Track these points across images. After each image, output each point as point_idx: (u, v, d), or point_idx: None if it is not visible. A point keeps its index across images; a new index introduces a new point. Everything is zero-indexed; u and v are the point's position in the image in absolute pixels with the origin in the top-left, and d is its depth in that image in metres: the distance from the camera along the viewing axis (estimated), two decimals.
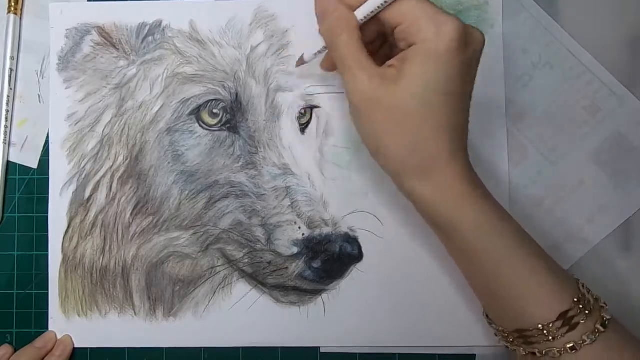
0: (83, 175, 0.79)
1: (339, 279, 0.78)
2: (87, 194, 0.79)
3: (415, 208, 0.63)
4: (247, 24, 0.79)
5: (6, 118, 0.81)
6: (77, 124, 0.80)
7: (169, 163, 0.78)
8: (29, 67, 0.82)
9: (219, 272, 0.79)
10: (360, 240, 0.78)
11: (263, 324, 0.78)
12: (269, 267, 0.77)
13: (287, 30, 0.79)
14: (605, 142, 0.78)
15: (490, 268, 0.60)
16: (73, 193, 0.79)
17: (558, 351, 0.58)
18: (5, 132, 0.81)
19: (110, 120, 0.79)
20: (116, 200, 0.79)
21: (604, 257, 0.77)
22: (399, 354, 0.78)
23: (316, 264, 0.76)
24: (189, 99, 0.78)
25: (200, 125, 0.78)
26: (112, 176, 0.79)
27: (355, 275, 0.78)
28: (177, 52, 0.79)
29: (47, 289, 0.79)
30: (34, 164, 0.81)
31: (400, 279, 0.78)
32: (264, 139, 0.78)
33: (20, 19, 0.83)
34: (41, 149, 0.81)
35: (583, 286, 0.61)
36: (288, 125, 0.78)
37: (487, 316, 0.66)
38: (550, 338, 0.58)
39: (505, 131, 0.78)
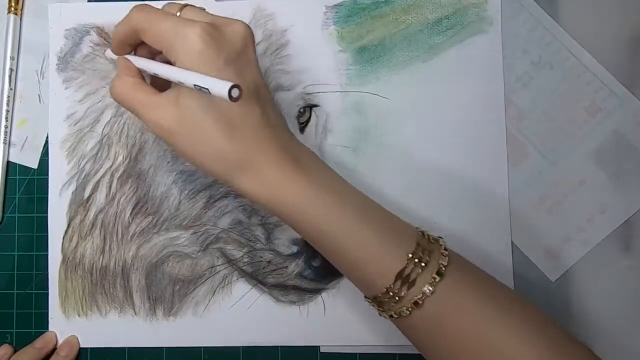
0: (82, 175, 0.77)
1: (338, 278, 0.76)
2: (87, 193, 0.77)
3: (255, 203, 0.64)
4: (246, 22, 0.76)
5: (6, 118, 0.79)
6: (76, 124, 0.78)
7: (168, 162, 0.76)
8: (29, 67, 0.80)
9: (219, 271, 0.77)
10: None
11: (263, 323, 0.76)
12: (269, 266, 0.75)
13: (285, 30, 0.77)
14: (605, 142, 0.76)
15: (329, 244, 0.60)
16: (72, 193, 0.77)
17: (407, 309, 0.57)
18: (5, 132, 0.79)
19: (109, 120, 0.77)
20: (116, 200, 0.77)
21: (604, 257, 0.75)
22: (399, 354, 0.76)
23: (316, 263, 0.75)
24: None
25: None
26: (112, 176, 0.77)
27: None
28: None
29: (47, 289, 0.77)
30: (34, 164, 0.79)
31: None
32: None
33: (20, 19, 0.81)
34: (41, 149, 0.79)
35: (422, 235, 0.60)
36: (287, 124, 0.76)
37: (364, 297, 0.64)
38: (397, 298, 0.57)
39: (504, 130, 0.76)
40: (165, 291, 0.76)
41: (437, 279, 0.57)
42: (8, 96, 0.79)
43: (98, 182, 0.77)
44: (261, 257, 0.75)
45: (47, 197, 0.78)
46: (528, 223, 0.75)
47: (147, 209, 0.76)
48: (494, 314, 0.57)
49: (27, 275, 0.78)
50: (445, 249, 0.59)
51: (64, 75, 0.78)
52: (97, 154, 0.77)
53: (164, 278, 0.76)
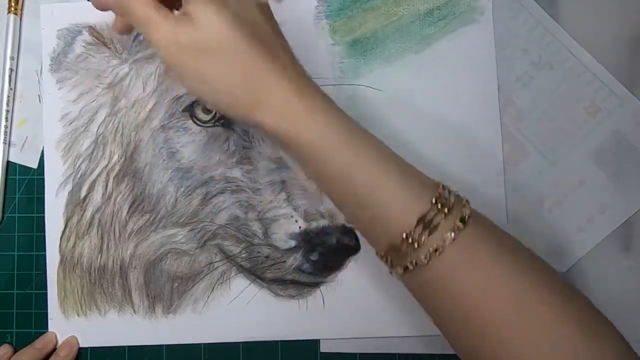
0: (78, 175, 0.77)
1: (336, 271, 0.75)
2: (83, 193, 0.76)
3: (272, 142, 0.62)
4: None
5: (6, 118, 0.79)
6: (71, 124, 0.77)
7: (164, 160, 0.76)
8: (29, 67, 0.80)
9: (217, 267, 0.76)
10: None
11: (262, 318, 0.76)
12: (267, 261, 0.75)
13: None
14: (605, 142, 0.76)
15: (347, 183, 0.57)
16: (69, 193, 0.77)
17: (425, 257, 0.54)
18: (5, 132, 0.79)
19: (104, 120, 0.77)
20: (112, 199, 0.76)
21: (604, 257, 0.74)
22: (399, 354, 0.76)
23: (314, 257, 0.74)
24: (182, 96, 0.76)
25: (194, 122, 0.75)
26: (108, 175, 0.76)
27: (353, 266, 0.76)
28: None
29: (47, 289, 0.77)
30: (34, 164, 0.79)
31: None
32: (258, 133, 0.75)
33: (20, 19, 0.80)
34: (41, 149, 0.78)
35: (444, 187, 0.57)
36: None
37: (377, 252, 0.60)
38: (416, 245, 0.54)
39: (498, 117, 0.76)
40: (164, 289, 0.76)
41: (461, 226, 0.54)
42: (8, 96, 0.78)
43: (94, 181, 0.76)
44: (259, 252, 0.75)
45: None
46: (528, 223, 0.74)
47: (143, 207, 0.76)
48: (518, 273, 0.54)
49: (27, 275, 0.77)
50: (467, 201, 0.57)
51: (57, 76, 0.77)
52: (92, 153, 0.76)
53: (162, 276, 0.76)
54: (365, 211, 0.57)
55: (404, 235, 0.54)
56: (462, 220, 0.54)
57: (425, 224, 0.54)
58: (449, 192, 0.57)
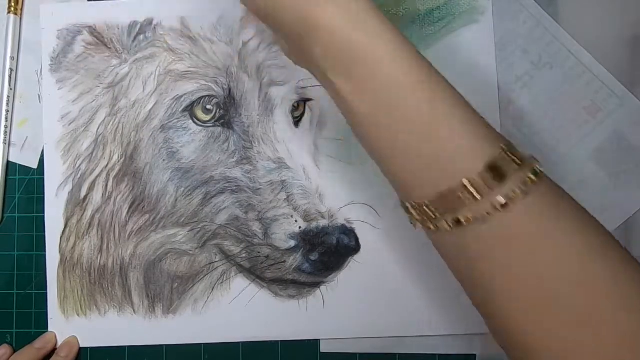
0: (78, 175, 0.75)
1: (337, 271, 0.74)
2: (83, 193, 0.75)
3: (328, 58, 0.49)
4: (238, 19, 0.76)
5: (6, 118, 0.77)
6: (70, 124, 0.76)
7: (164, 160, 0.75)
8: (29, 67, 0.79)
9: (217, 267, 0.75)
10: (357, 232, 0.74)
11: (262, 319, 0.75)
12: (267, 261, 0.74)
13: None
14: (605, 142, 0.75)
15: (406, 110, 0.47)
16: (69, 193, 0.75)
17: (487, 212, 0.45)
18: (5, 132, 0.77)
19: (104, 120, 0.75)
20: (112, 199, 0.75)
21: None
22: (399, 354, 0.74)
23: (314, 257, 0.73)
24: (182, 96, 0.74)
25: (194, 122, 0.74)
26: (108, 175, 0.75)
27: (353, 266, 0.74)
28: (169, 50, 0.75)
29: (47, 290, 0.76)
30: (34, 164, 0.77)
31: (398, 269, 0.75)
32: (258, 133, 0.74)
33: (20, 19, 0.79)
34: (41, 149, 0.77)
35: (512, 144, 0.48)
36: (282, 119, 0.75)
37: (403, 203, 0.52)
38: (478, 195, 0.45)
39: (498, 117, 0.75)
40: (164, 289, 0.75)
41: (534, 179, 0.46)
42: (8, 96, 0.77)
43: (94, 181, 0.75)
44: (259, 252, 0.73)
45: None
46: None
47: (143, 207, 0.74)
48: (594, 254, 0.47)
49: (27, 276, 0.76)
50: (535, 158, 0.48)
51: (58, 76, 0.76)
52: (92, 153, 0.75)
53: (162, 276, 0.75)
54: (418, 154, 0.48)
55: (465, 182, 0.46)
56: (534, 173, 0.46)
57: (495, 170, 0.46)
58: (518, 151, 0.48)
